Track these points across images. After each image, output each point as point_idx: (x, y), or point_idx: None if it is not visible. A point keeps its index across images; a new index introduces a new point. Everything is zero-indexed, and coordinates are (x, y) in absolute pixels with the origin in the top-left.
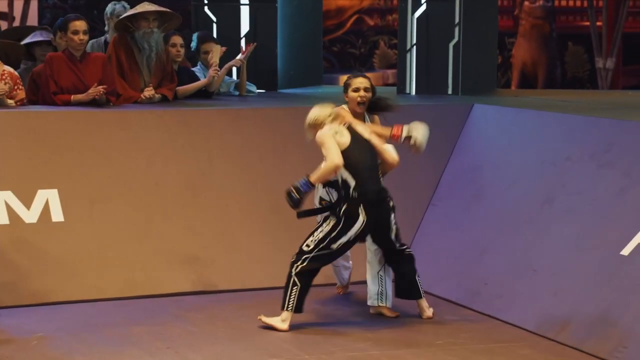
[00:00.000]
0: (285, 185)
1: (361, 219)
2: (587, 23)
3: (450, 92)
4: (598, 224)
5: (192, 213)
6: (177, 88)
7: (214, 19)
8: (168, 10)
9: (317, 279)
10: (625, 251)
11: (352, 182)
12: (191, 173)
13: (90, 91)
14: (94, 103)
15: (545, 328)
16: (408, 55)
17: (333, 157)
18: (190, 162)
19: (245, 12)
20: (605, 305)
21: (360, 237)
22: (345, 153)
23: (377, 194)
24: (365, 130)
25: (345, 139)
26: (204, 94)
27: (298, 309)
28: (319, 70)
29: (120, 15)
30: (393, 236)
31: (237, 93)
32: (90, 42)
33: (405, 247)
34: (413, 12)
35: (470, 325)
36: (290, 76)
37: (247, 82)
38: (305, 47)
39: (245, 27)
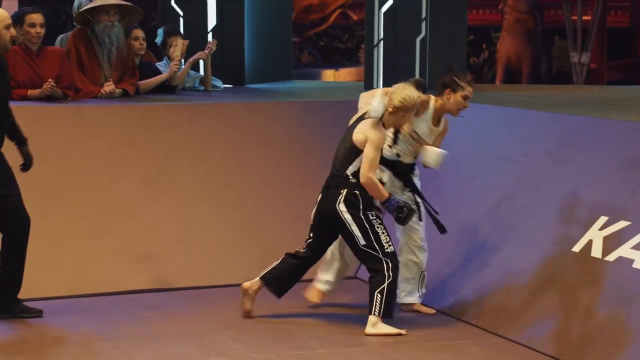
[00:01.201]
0: (246, 182)
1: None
2: (575, 17)
3: None
4: (553, 221)
5: (150, 210)
6: (139, 82)
7: (181, 13)
8: (129, 3)
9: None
10: (577, 248)
11: None
12: (150, 169)
13: (43, 87)
14: (51, 98)
15: (497, 325)
16: (375, 50)
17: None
18: (148, 159)
19: (212, 6)
20: (556, 302)
21: (317, 225)
22: None
23: (330, 177)
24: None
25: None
26: (168, 89)
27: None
28: (289, 65)
29: None
30: (357, 238)
31: (202, 88)
32: (60, 36)
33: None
34: (380, 6)
35: (423, 323)
36: (258, 71)
37: (213, 77)
38: (275, 41)
39: (212, 21)
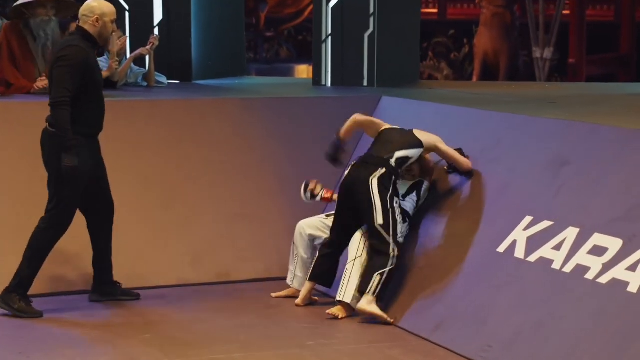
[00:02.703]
0: (179, 180)
1: (346, 172)
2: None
3: (365, 83)
4: (480, 220)
5: None
6: None
7: (126, 7)
8: None
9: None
10: (501, 248)
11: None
12: None
13: None
14: None
15: (420, 327)
16: (323, 46)
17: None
18: None
19: (158, 0)
20: (478, 304)
21: (344, 203)
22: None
23: (370, 155)
24: None
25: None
26: (109, 85)
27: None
28: (242, 60)
29: None
30: (376, 215)
31: (145, 84)
32: None
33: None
34: (328, 1)
35: (347, 325)
36: (208, 67)
37: (157, 73)
38: (226, 36)
39: (158, 15)
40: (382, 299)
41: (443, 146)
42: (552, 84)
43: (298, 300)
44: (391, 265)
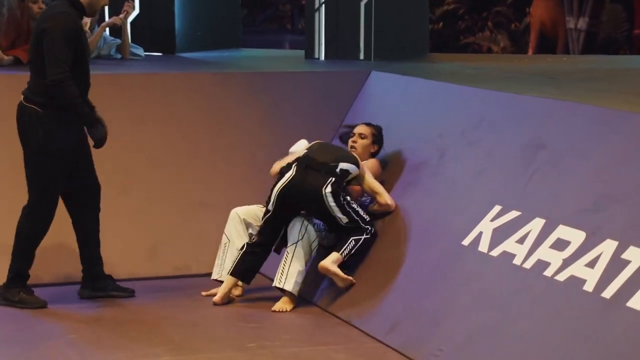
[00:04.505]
0: (137, 164)
1: (288, 174)
2: None
3: (362, 57)
4: (449, 210)
5: (17, 195)
6: None
7: None
8: None
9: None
10: (466, 241)
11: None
12: (19, 150)
13: None
14: None
15: (376, 328)
16: (316, 15)
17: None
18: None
19: None
20: (435, 304)
21: (285, 200)
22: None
23: (317, 162)
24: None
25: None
26: None
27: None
28: (236, 31)
29: None
30: (340, 219)
31: (119, 56)
32: None
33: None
34: None
35: (299, 325)
36: (196, 37)
37: (133, 44)
38: (218, 5)
39: None
40: (348, 268)
41: (370, 177)
42: (574, 58)
43: (216, 298)
44: (367, 236)
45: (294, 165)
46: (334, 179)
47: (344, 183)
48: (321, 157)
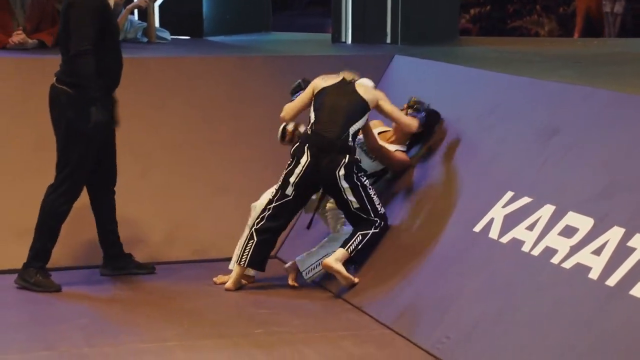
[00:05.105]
0: (157, 148)
1: (303, 161)
2: None
3: (389, 40)
4: (462, 196)
5: (40, 179)
6: None
7: None
8: None
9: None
10: (477, 227)
11: (312, 120)
12: (45, 132)
13: None
14: None
15: (385, 314)
16: None
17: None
18: (41, 121)
19: None
20: (445, 290)
21: (305, 185)
22: (318, 93)
23: (328, 140)
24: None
25: (326, 82)
26: None
27: (254, 264)
28: (266, 15)
29: None
30: (351, 203)
31: (146, 40)
32: None
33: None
34: None
35: (310, 311)
36: (225, 21)
37: (159, 28)
38: None
39: None
40: (355, 263)
41: (386, 104)
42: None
43: (229, 285)
44: (375, 230)
45: (306, 149)
46: (347, 157)
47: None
48: (330, 130)
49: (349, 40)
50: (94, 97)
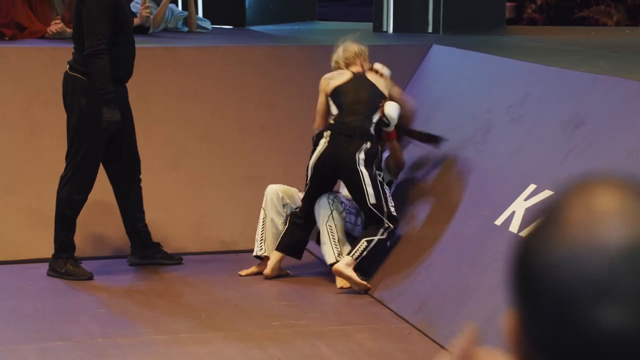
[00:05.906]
0: (187, 138)
1: (322, 143)
2: None
3: (430, 30)
4: (486, 188)
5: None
6: None
7: None
8: None
9: (193, 246)
10: (499, 221)
11: (334, 112)
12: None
13: None
14: None
15: (404, 308)
16: None
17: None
18: None
19: None
20: (461, 284)
21: (321, 171)
22: (334, 92)
23: (350, 127)
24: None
25: (337, 81)
26: (140, 30)
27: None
28: (311, 3)
29: None
30: (368, 195)
31: (186, 29)
32: None
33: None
34: None
35: (331, 304)
36: (269, 10)
37: (200, 17)
38: None
39: None
40: (362, 269)
41: (395, 89)
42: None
43: (267, 270)
44: (381, 236)
45: (326, 135)
46: (370, 143)
47: (378, 148)
48: (352, 114)
49: (390, 30)
50: (108, 98)
